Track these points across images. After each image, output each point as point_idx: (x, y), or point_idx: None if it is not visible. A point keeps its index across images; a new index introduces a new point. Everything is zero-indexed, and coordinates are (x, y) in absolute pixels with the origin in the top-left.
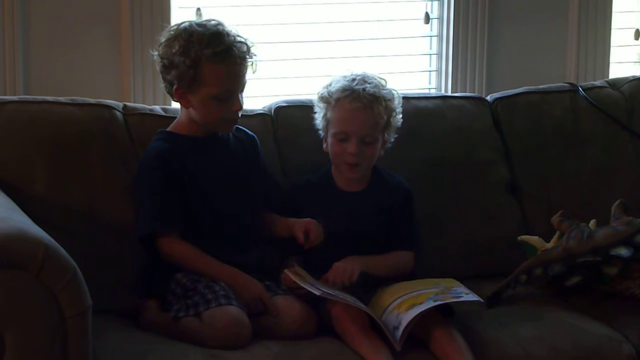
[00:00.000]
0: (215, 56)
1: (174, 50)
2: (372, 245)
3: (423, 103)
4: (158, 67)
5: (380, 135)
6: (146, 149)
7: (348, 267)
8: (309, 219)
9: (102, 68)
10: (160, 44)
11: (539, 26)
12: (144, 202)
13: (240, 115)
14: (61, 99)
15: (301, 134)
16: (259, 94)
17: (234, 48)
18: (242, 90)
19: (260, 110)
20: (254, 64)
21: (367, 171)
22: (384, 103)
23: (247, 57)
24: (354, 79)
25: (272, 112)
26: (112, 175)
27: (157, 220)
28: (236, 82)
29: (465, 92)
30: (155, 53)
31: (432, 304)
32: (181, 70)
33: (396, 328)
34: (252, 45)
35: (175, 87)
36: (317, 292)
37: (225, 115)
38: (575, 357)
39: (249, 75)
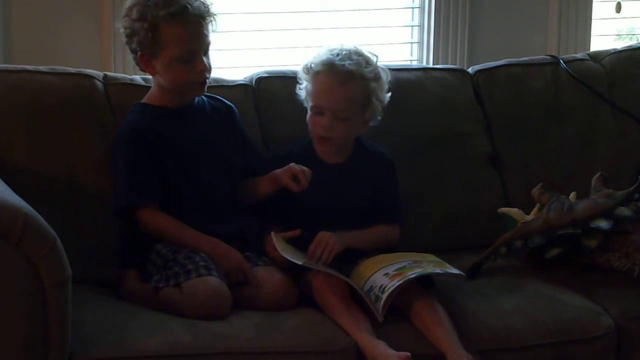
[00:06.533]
0: (171, 16)
1: (133, 17)
2: (354, 215)
3: (404, 75)
4: (123, 40)
5: (358, 112)
6: (121, 121)
7: (330, 241)
8: (290, 164)
9: (83, 38)
10: (123, 15)
11: None
12: (120, 175)
13: (208, 77)
14: (41, 68)
15: (282, 104)
16: (240, 64)
17: (189, 6)
18: (206, 52)
19: (241, 80)
20: (214, 24)
21: (340, 147)
22: (361, 81)
23: (206, 16)
24: (338, 54)
25: (254, 82)
26: (92, 144)
27: (134, 192)
28: (196, 42)
29: (446, 64)
30: (120, 25)
31: (413, 274)
32: (141, 35)
33: (379, 298)
34: (211, 4)
35: (139, 54)
36: (299, 262)
37: (191, 78)
38: (555, 329)
39: (228, 44)
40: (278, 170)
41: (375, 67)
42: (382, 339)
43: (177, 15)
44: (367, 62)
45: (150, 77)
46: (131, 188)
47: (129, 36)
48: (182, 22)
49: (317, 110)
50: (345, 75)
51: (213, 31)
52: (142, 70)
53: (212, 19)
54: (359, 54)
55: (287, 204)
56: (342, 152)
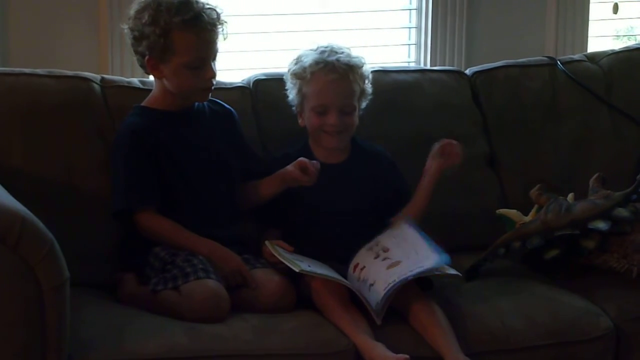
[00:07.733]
0: (184, 23)
1: (143, 21)
2: (355, 216)
3: (402, 76)
4: (129, 41)
5: (357, 103)
6: (120, 124)
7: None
8: (299, 158)
9: (80, 40)
10: (130, 17)
11: (518, 0)
12: (119, 178)
13: (214, 83)
14: (39, 71)
15: (280, 106)
16: (238, 66)
17: (204, 14)
18: (214, 58)
19: (239, 83)
20: (224, 31)
21: (347, 141)
22: (358, 71)
23: (218, 24)
24: (323, 51)
25: (251, 85)
26: (90, 147)
27: (132, 195)
28: (207, 50)
29: (444, 65)
30: (126, 26)
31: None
32: (152, 40)
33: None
34: (222, 12)
35: (147, 58)
36: (295, 269)
37: (198, 84)
38: (553, 330)
39: (226, 46)
40: (285, 168)
41: (358, 57)
42: (381, 341)
43: (191, 23)
44: (350, 53)
45: (148, 79)
46: (129, 191)
47: (137, 39)
48: (196, 30)
49: (321, 110)
50: (344, 69)
51: (224, 38)
52: (147, 73)
53: (223, 26)
54: (340, 47)
55: (288, 205)
56: (340, 152)
